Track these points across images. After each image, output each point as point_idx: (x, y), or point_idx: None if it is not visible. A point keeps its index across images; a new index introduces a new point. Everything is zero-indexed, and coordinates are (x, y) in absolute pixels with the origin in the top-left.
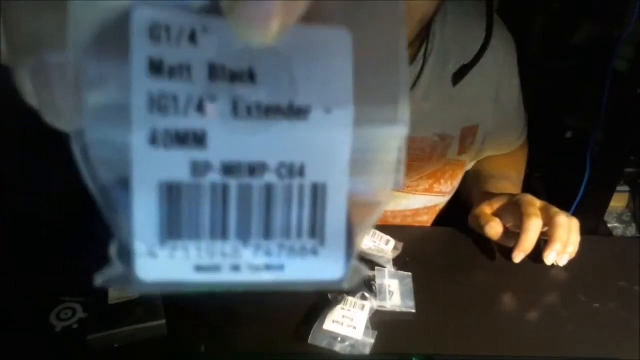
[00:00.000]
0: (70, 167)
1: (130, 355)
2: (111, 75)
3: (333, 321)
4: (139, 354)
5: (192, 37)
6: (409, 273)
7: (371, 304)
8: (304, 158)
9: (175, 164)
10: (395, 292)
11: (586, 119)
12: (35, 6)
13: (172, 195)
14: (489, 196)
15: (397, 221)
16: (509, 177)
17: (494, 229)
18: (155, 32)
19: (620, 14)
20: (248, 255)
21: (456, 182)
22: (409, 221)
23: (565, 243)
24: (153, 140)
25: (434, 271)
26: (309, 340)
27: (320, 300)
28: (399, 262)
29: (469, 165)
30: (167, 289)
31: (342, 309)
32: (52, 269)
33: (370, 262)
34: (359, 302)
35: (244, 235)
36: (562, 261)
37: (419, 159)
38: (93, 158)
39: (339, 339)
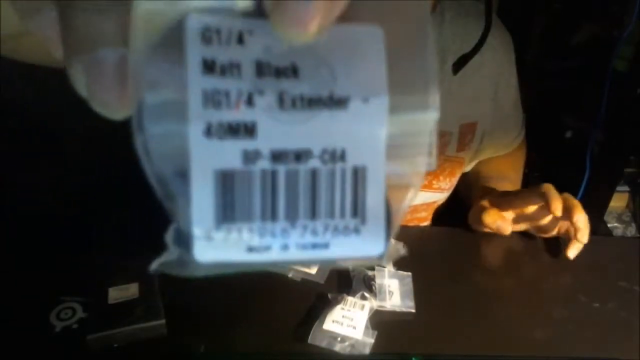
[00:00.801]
0: (69, 167)
1: (130, 355)
2: (168, 75)
3: (333, 321)
4: (139, 354)
5: (240, 39)
6: (409, 273)
7: (371, 304)
8: (345, 144)
9: (228, 154)
10: (395, 292)
11: (586, 119)
12: (94, 7)
13: (226, 182)
14: (488, 193)
15: None
16: (508, 177)
17: (491, 217)
18: (207, 35)
19: (620, 14)
20: (296, 236)
21: (455, 180)
22: (407, 217)
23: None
24: (208, 132)
25: (434, 271)
26: (309, 340)
27: (320, 300)
28: (399, 262)
29: (468, 166)
30: (222, 270)
31: (342, 309)
32: (52, 269)
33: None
34: (359, 302)
35: (292, 217)
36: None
37: None
38: (153, 152)
39: (339, 339)
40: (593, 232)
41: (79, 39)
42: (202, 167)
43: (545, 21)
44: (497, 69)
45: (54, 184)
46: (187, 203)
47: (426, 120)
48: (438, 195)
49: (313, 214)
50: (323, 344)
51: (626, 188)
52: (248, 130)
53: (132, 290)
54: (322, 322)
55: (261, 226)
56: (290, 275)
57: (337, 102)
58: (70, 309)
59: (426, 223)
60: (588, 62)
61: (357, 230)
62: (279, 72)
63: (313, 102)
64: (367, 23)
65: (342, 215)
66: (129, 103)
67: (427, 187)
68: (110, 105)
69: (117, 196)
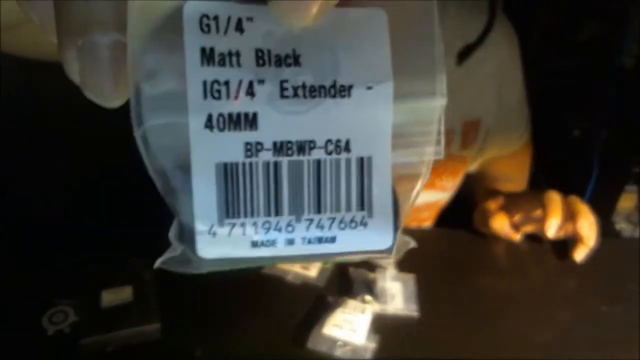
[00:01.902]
0: (67, 167)
1: None
2: (167, 65)
3: (333, 325)
4: (133, 358)
5: (239, 26)
6: (412, 275)
7: (373, 307)
8: (349, 134)
9: (230, 146)
10: (397, 295)
11: (593, 118)
12: None
13: (228, 175)
14: (494, 194)
15: None
16: (513, 178)
17: (500, 222)
18: (205, 23)
19: (625, 10)
20: (301, 230)
21: (458, 179)
22: (410, 218)
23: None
24: (209, 124)
25: (438, 273)
26: (309, 345)
27: (320, 303)
28: (402, 264)
29: (471, 166)
30: (226, 266)
31: (343, 312)
32: (44, 271)
33: (371, 264)
34: (360, 305)
35: (297, 211)
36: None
37: None
38: (152, 144)
39: (340, 343)
40: (600, 233)
41: (73, 23)
42: (203, 160)
43: (549, 18)
44: (501, 65)
45: (46, 186)
46: (189, 198)
47: (433, 107)
48: (441, 195)
49: (318, 207)
50: (323, 348)
51: (634, 188)
52: (249, 121)
53: (126, 293)
54: (322, 326)
55: (266, 220)
56: (289, 278)
57: (340, 90)
58: (62, 312)
59: (429, 224)
60: (594, 59)
61: (364, 223)
62: (280, 60)
63: (315, 91)
64: (371, 6)
65: (349, 207)
66: (123, 90)
67: (430, 186)
68: (104, 92)
69: (111, 198)
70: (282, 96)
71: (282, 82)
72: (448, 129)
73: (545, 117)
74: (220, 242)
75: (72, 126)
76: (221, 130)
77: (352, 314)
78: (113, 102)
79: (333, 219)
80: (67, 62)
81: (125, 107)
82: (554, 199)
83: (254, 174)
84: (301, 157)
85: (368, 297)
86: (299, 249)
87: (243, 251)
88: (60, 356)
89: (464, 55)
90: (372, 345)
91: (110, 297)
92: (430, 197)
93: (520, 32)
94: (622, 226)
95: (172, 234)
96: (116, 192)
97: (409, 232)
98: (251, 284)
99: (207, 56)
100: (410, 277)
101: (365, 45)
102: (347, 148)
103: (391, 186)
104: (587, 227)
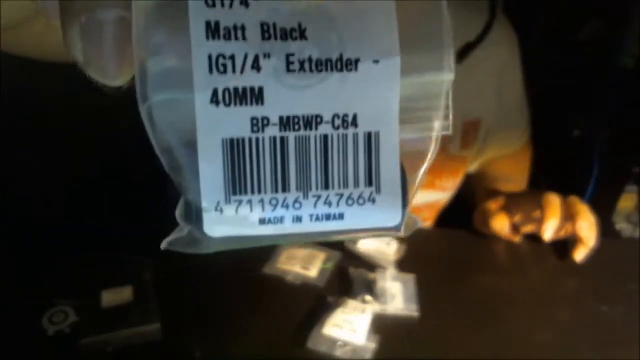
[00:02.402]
0: (67, 167)
1: None
2: (172, 40)
3: (333, 325)
4: (133, 358)
5: (244, 0)
6: (412, 275)
7: (373, 307)
8: (356, 109)
9: (236, 121)
10: (397, 295)
11: (593, 118)
12: None
13: (235, 151)
14: (494, 194)
15: None
16: (513, 178)
17: (500, 222)
18: None
19: (626, 10)
20: (309, 206)
21: (458, 179)
22: None
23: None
24: (215, 99)
25: (438, 273)
26: (308, 345)
27: (320, 303)
28: (402, 264)
29: (471, 166)
30: (234, 245)
31: (343, 312)
32: (44, 271)
33: (371, 264)
34: (360, 305)
35: (304, 187)
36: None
37: None
38: (158, 120)
39: (340, 343)
40: (600, 233)
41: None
42: (209, 135)
43: (549, 17)
44: (500, 64)
45: (46, 186)
46: (195, 175)
47: (441, 81)
48: (440, 195)
49: (326, 183)
50: (323, 348)
51: (634, 188)
52: (255, 95)
53: (126, 293)
54: (322, 326)
55: (273, 197)
56: (289, 278)
57: (346, 64)
58: (62, 312)
59: (429, 224)
60: (594, 59)
61: (372, 200)
62: (286, 34)
63: (322, 65)
64: None
65: (356, 184)
66: (127, 68)
67: (429, 186)
68: (108, 70)
69: (111, 198)
70: (288, 70)
71: (288, 55)
72: None
73: (545, 117)
74: (227, 219)
75: (72, 126)
76: (227, 105)
77: (352, 314)
78: (117, 80)
79: (341, 195)
80: (69, 41)
81: (126, 106)
82: (553, 201)
83: (260, 149)
84: (308, 132)
85: (368, 297)
86: (307, 226)
87: (250, 229)
88: (60, 356)
89: (463, 53)
90: (372, 345)
91: (110, 297)
92: (429, 197)
93: (520, 32)
94: (622, 226)
95: (178, 213)
96: (116, 192)
97: None
98: (251, 284)
99: (212, 30)
100: (410, 277)
101: (371, 19)
102: (355, 123)
103: (399, 162)
104: (587, 228)
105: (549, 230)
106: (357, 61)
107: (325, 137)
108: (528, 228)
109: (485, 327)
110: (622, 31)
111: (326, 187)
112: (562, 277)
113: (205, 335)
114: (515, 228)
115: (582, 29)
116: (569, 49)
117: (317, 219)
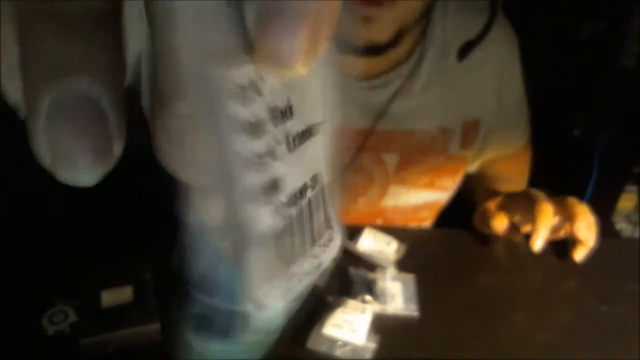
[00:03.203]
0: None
1: None
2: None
3: (333, 325)
4: (133, 358)
5: (256, 88)
6: (412, 275)
7: (373, 307)
8: (319, 167)
9: (265, 215)
10: (397, 295)
11: (594, 118)
12: (61, 36)
13: (273, 243)
14: (494, 194)
15: (398, 217)
16: (513, 179)
17: (500, 222)
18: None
19: (627, 9)
20: (306, 267)
21: (457, 179)
22: (409, 218)
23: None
24: (248, 196)
25: (438, 273)
26: (308, 345)
27: (319, 303)
28: (402, 264)
29: (471, 166)
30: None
31: (343, 312)
32: (44, 271)
33: (371, 264)
34: (360, 305)
35: (303, 252)
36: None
37: (419, 152)
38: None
39: (340, 343)
40: (600, 233)
41: (43, 68)
42: (252, 237)
43: (549, 17)
44: (500, 64)
45: (46, 186)
46: (242, 281)
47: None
48: (440, 195)
49: (313, 241)
50: (323, 348)
51: (634, 188)
52: (276, 186)
53: (126, 293)
54: (322, 326)
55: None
56: None
57: (311, 131)
58: (62, 312)
59: (428, 223)
60: (595, 59)
61: (332, 239)
62: (284, 115)
63: (304, 136)
64: None
65: (324, 231)
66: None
67: (429, 186)
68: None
69: (111, 198)
70: (289, 150)
71: (286, 136)
72: (447, 128)
73: (545, 117)
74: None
75: None
76: (257, 202)
77: (352, 314)
78: (94, 175)
79: (320, 246)
80: (36, 139)
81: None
82: (545, 211)
83: (280, 233)
84: (301, 202)
85: (368, 297)
86: (304, 282)
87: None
88: (60, 356)
89: (464, 51)
90: (372, 345)
91: (110, 297)
92: (429, 197)
93: (520, 32)
94: (622, 226)
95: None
96: (116, 192)
97: (408, 231)
98: None
99: (245, 129)
100: (410, 277)
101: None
102: (320, 180)
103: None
104: (585, 229)
105: (539, 241)
106: (317, 124)
107: (310, 200)
108: (528, 228)
109: (485, 327)
110: (622, 31)
111: (313, 244)
112: (562, 277)
113: None
114: (515, 228)
115: (582, 29)
116: (569, 49)
117: (309, 274)
